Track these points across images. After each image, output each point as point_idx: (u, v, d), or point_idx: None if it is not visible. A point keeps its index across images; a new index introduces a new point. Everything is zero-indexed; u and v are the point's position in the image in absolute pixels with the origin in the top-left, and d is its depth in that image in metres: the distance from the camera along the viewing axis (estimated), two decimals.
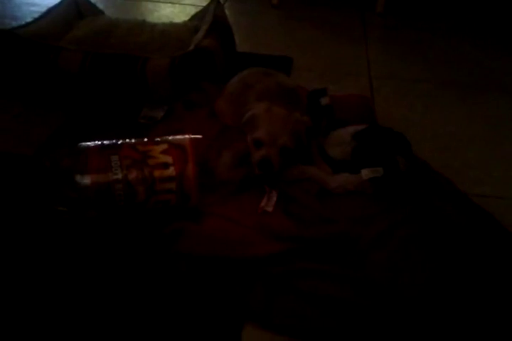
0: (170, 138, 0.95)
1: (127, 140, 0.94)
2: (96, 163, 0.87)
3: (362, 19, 2.06)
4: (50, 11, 1.47)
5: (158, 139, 0.95)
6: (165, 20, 1.63)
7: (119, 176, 0.87)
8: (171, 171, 0.90)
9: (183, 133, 0.97)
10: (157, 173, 0.89)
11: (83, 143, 0.92)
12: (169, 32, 1.42)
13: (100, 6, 1.72)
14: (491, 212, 1.02)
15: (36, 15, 1.47)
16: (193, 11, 1.76)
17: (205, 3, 1.63)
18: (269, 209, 0.98)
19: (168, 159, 0.90)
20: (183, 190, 0.91)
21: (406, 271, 0.88)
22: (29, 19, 1.47)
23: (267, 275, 0.85)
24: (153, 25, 1.46)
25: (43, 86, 1.26)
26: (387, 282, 0.86)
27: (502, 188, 1.14)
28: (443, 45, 1.88)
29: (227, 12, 1.59)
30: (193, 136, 0.96)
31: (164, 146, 0.92)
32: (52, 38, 1.34)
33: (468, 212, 1.02)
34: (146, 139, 0.95)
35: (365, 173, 1.05)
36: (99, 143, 0.92)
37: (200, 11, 1.58)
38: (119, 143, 0.93)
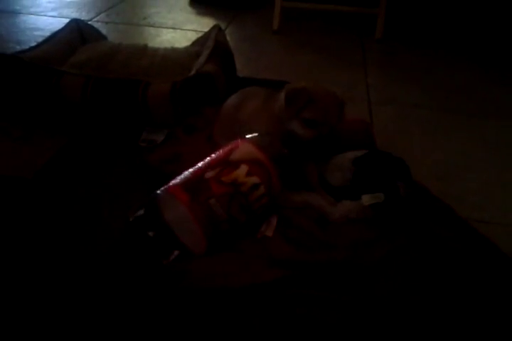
0: (239, 155, 0.96)
1: (199, 170, 0.94)
2: (200, 215, 0.88)
3: (361, 45, 2.09)
4: (54, 35, 1.49)
5: (233, 158, 0.95)
6: (167, 45, 1.66)
7: (224, 216, 0.90)
8: (262, 189, 0.95)
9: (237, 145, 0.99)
10: (252, 197, 0.94)
11: (162, 194, 0.92)
12: (170, 57, 1.44)
13: (103, 31, 1.75)
14: (491, 238, 1.01)
15: (40, 40, 1.50)
16: (194, 36, 1.78)
17: (206, 29, 1.66)
18: (269, 233, 0.97)
19: (256, 180, 0.94)
20: (273, 196, 0.98)
21: (407, 297, 0.87)
22: (33, 43, 1.50)
23: (264, 302, 0.83)
24: (155, 50, 1.48)
25: (44, 109, 1.27)
26: (389, 308, 0.84)
27: (502, 214, 1.13)
28: (442, 71, 1.90)
29: (228, 37, 1.61)
30: (257, 146, 0.98)
31: (245, 168, 0.94)
32: (55, 62, 1.36)
33: (467, 238, 1.01)
34: (219, 168, 0.94)
35: (366, 199, 1.04)
36: (185, 188, 0.91)
37: (202, 37, 1.61)
38: (202, 180, 0.92)
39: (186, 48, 1.57)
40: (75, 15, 2.13)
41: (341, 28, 2.28)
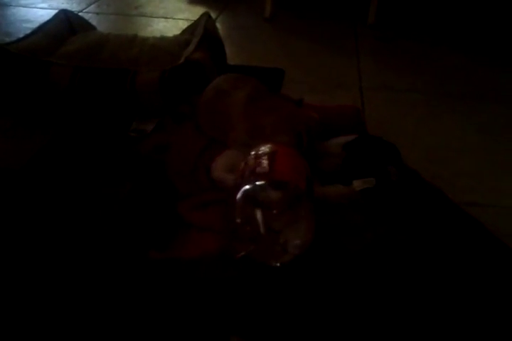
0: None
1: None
2: None
3: (354, 31, 2.07)
4: (42, 27, 1.48)
5: None
6: (158, 34, 1.64)
7: None
8: None
9: None
10: None
11: None
12: (160, 46, 1.43)
13: (94, 22, 1.73)
14: (482, 220, 1.01)
15: (29, 32, 1.48)
16: (185, 25, 1.76)
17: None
18: None
19: None
20: None
21: (396, 282, 0.87)
22: (22, 35, 1.49)
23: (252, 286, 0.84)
24: (144, 40, 1.47)
25: (32, 101, 1.26)
26: (376, 293, 0.85)
27: (493, 196, 1.13)
28: (434, 56, 1.89)
29: (220, 26, 1.61)
30: None
31: None
32: (43, 53, 1.35)
33: (458, 221, 1.01)
34: None
35: (357, 184, 1.04)
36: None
37: (191, 25, 1.59)
38: None
39: (176, 37, 1.56)
40: (65, 6, 2.10)
41: (334, 15, 2.26)
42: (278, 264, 0.85)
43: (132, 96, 1.23)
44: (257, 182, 0.85)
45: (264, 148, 0.95)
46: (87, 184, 1.06)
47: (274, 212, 0.83)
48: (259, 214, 0.82)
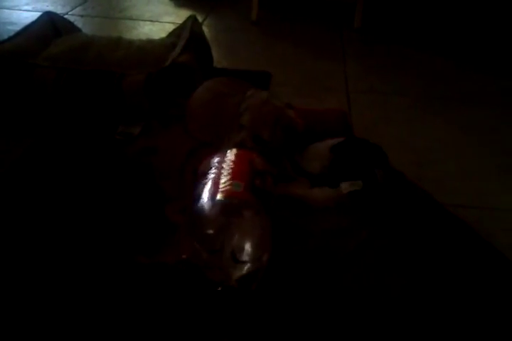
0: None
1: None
2: None
3: (340, 35, 2.08)
4: (25, 29, 1.46)
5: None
6: (144, 37, 1.63)
7: None
8: None
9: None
10: None
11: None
12: (146, 48, 1.42)
13: (79, 24, 1.72)
14: (467, 221, 1.02)
15: (13, 34, 1.46)
16: (172, 28, 1.76)
17: None
18: None
19: None
20: None
21: (384, 284, 0.87)
22: (5, 38, 1.47)
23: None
24: (130, 42, 1.46)
25: (16, 104, 1.25)
26: (365, 296, 0.84)
27: (479, 198, 1.14)
28: (420, 59, 1.90)
29: (206, 29, 1.60)
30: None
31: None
32: (27, 55, 1.33)
33: (445, 223, 1.02)
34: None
35: (345, 187, 1.04)
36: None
37: (178, 28, 1.59)
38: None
39: (162, 39, 1.56)
40: (49, 9, 2.08)
41: (320, 18, 2.27)
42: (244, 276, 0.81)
43: (118, 99, 1.22)
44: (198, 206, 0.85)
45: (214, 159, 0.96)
46: (72, 188, 1.04)
47: (210, 232, 0.81)
48: (196, 245, 0.80)
